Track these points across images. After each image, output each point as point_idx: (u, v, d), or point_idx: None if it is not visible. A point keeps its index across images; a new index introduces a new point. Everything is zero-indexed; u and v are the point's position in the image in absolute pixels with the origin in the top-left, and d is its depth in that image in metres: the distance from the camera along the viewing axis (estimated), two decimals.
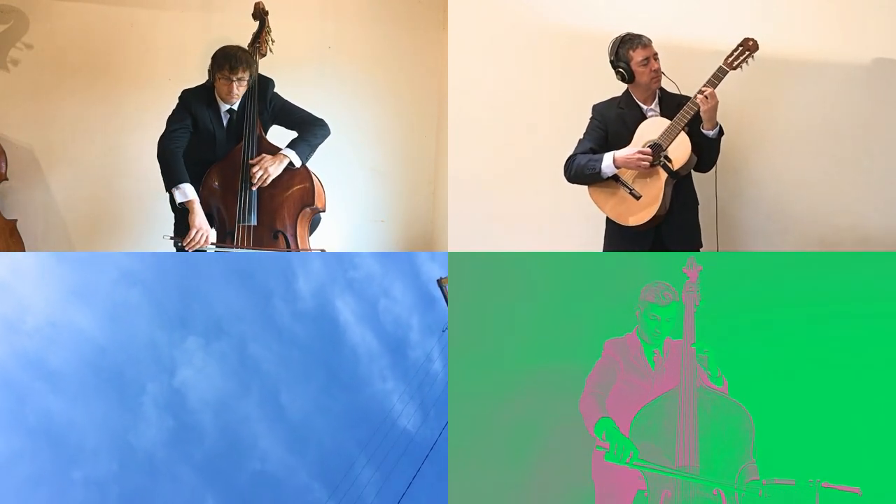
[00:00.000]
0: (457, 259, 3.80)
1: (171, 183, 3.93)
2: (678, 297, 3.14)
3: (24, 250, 4.76)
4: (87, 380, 4.06)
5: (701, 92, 3.66)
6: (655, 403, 3.03)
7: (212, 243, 3.96)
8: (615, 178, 3.85)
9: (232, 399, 4.23)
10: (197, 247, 3.90)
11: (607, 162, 3.82)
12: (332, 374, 4.41)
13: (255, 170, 4.00)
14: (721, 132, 3.76)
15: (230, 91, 4.01)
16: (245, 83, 4.02)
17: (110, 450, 4.01)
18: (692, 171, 3.88)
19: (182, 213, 4.01)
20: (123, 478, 4.00)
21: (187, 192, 3.92)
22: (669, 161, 3.76)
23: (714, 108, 3.67)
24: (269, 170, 4.00)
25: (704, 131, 3.73)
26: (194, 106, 4.05)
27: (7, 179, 4.77)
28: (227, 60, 3.97)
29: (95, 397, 4.06)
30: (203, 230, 3.91)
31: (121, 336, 4.17)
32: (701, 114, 3.69)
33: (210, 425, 4.17)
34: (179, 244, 3.91)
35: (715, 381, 3.05)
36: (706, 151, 3.79)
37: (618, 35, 3.85)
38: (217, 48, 4.06)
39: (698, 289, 3.15)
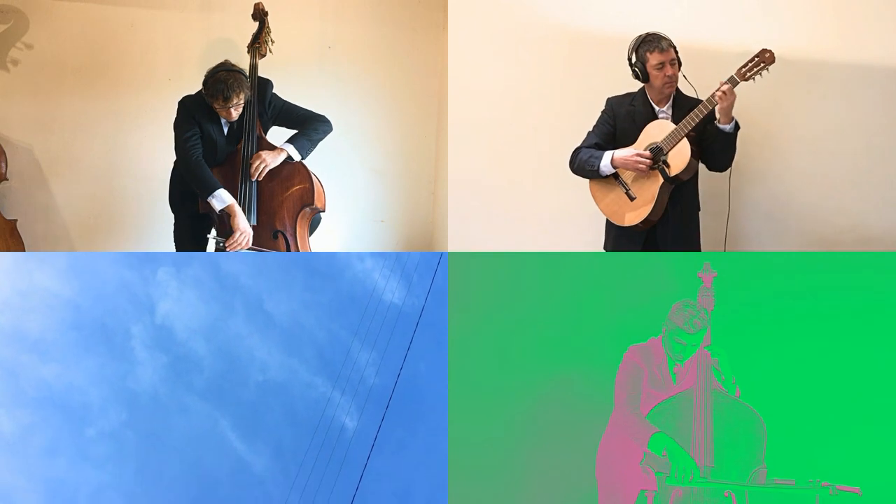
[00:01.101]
0: (457, 259, 3.80)
1: (207, 192, 3.94)
2: (708, 322, 3.11)
3: (24, 250, 4.75)
4: (71, 340, 4.07)
5: (720, 89, 3.63)
6: (669, 402, 3.04)
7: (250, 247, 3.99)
8: (615, 175, 3.85)
9: (218, 320, 4.25)
10: (239, 248, 3.92)
11: (605, 161, 3.82)
12: (310, 268, 4.40)
13: (251, 160, 4.00)
14: (737, 126, 3.74)
15: (229, 115, 4.02)
16: (242, 103, 4.02)
17: (115, 401, 4.04)
18: (698, 174, 3.87)
19: (182, 216, 4.02)
20: (135, 423, 4.03)
21: (224, 198, 3.94)
22: (667, 166, 3.75)
23: (731, 105, 3.64)
24: (266, 159, 3.99)
25: (720, 126, 3.71)
26: (198, 115, 4.05)
27: (7, 179, 4.76)
28: (220, 92, 3.93)
29: (85, 355, 4.08)
30: (247, 233, 3.94)
31: (91, 287, 4.18)
32: (717, 110, 3.67)
33: (204, 351, 4.20)
34: (222, 244, 3.92)
35: (728, 388, 3.05)
36: (722, 147, 3.75)
37: (641, 33, 3.83)
38: (212, 53, 4.05)
39: (714, 294, 3.15)
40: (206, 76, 3.99)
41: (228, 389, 4.19)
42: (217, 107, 3.97)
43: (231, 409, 4.14)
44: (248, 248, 4.00)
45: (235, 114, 4.01)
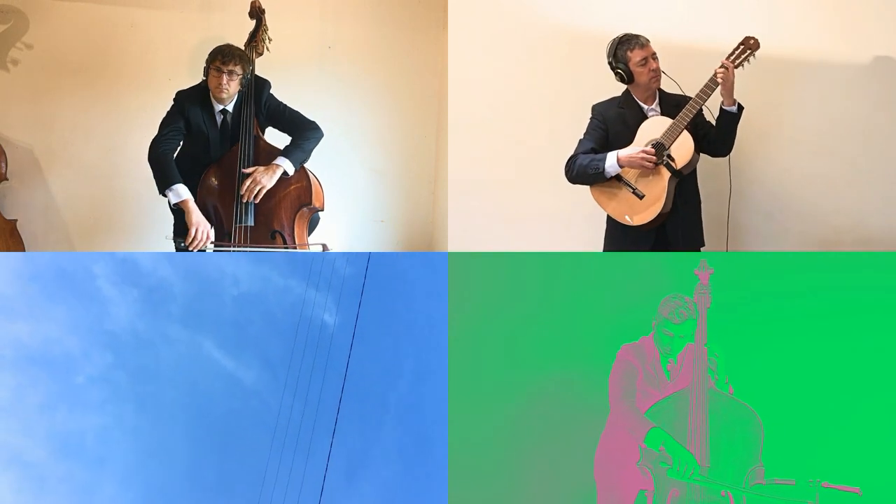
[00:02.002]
0: (457, 259, 3.80)
1: (164, 185, 3.92)
2: (694, 314, 3.12)
3: (24, 250, 4.76)
4: (33, 292, 4.03)
5: (721, 69, 3.65)
6: (666, 402, 3.04)
7: (211, 242, 3.94)
8: (618, 177, 3.85)
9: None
10: (199, 245, 3.88)
11: (611, 161, 3.81)
12: None
13: (247, 182, 3.97)
14: (741, 108, 3.75)
15: (220, 84, 3.99)
16: (237, 79, 4.01)
17: (96, 344, 3.97)
18: (696, 167, 3.88)
19: (179, 214, 4.02)
20: (122, 363, 3.99)
21: (181, 193, 3.91)
22: (672, 160, 3.76)
23: (732, 85, 3.67)
24: (262, 181, 3.97)
25: (726, 108, 3.72)
26: (187, 106, 4.05)
27: (7, 179, 4.77)
28: (219, 53, 3.99)
29: (51, 305, 4.01)
30: (202, 227, 3.89)
31: None
32: (720, 92, 3.69)
33: (172, 277, 4.16)
34: (182, 245, 3.90)
35: (721, 388, 3.06)
36: (726, 130, 3.77)
37: (615, 36, 3.85)
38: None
39: (710, 291, 3.15)
40: (211, 50, 4.05)
41: (206, 311, 4.16)
42: (213, 70, 3.98)
43: (212, 329, 4.10)
44: (250, 247, 3.99)
45: (228, 86, 4.00)
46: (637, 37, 3.81)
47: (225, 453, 3.96)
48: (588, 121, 3.96)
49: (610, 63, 3.85)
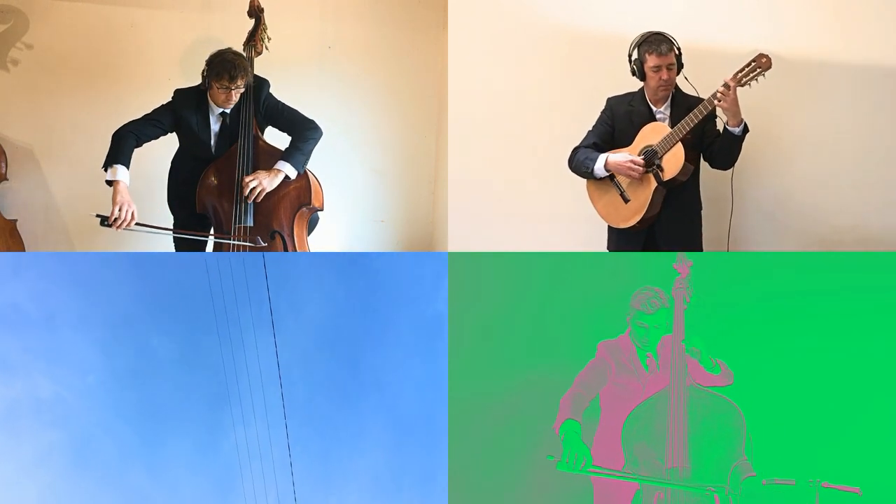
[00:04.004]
0: (457, 259, 3.80)
1: (109, 161, 3.87)
2: (667, 303, 3.13)
3: (24, 250, 4.76)
4: None
5: (722, 88, 3.61)
6: (647, 404, 3.03)
7: (137, 223, 3.86)
8: (610, 177, 3.86)
9: None
10: (125, 225, 3.80)
11: (599, 165, 3.83)
12: None
13: (249, 181, 3.96)
14: (746, 129, 3.72)
15: (228, 99, 3.99)
16: (242, 90, 4.01)
17: None
18: (698, 174, 3.88)
19: (179, 208, 4.02)
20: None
21: (118, 173, 3.85)
22: (661, 170, 3.76)
23: (734, 105, 3.62)
24: (264, 183, 3.96)
25: (730, 129, 3.70)
26: (183, 108, 4.04)
27: (7, 179, 4.77)
28: (226, 70, 3.92)
29: None
30: (126, 206, 3.80)
31: None
32: (723, 112, 3.66)
33: None
34: (106, 223, 3.82)
35: (712, 371, 3.04)
36: (727, 147, 3.75)
37: (646, 31, 3.84)
38: (213, 51, 4.04)
39: (689, 285, 3.14)
40: (212, 57, 3.99)
41: None
42: (219, 87, 3.95)
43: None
44: (250, 246, 3.99)
45: (234, 99, 4.00)
46: (661, 43, 3.76)
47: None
48: (598, 113, 3.97)
49: (629, 55, 3.85)
